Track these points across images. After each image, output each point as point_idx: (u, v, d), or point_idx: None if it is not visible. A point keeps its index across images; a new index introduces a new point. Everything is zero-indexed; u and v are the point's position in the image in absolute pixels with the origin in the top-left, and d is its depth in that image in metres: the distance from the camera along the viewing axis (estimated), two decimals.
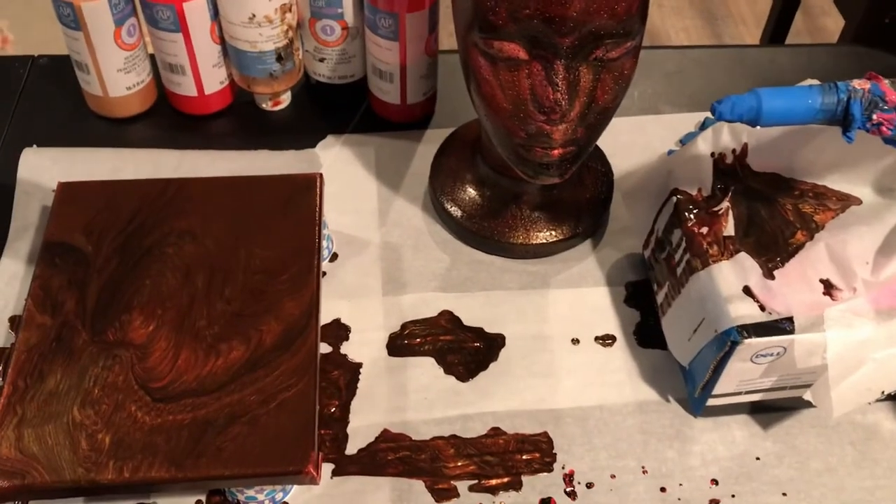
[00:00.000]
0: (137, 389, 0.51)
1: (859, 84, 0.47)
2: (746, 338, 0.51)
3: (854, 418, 0.58)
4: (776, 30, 1.59)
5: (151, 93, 0.74)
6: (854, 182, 0.58)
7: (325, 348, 0.60)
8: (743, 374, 0.53)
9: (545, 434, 0.57)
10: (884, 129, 0.46)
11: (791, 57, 0.85)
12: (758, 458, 0.56)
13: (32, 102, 0.75)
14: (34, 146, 0.70)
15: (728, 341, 0.51)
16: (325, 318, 0.61)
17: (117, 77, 0.70)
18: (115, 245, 0.58)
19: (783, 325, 0.51)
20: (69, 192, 0.61)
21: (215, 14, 0.68)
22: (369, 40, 0.69)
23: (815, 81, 0.48)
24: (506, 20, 0.50)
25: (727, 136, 0.58)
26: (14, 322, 0.60)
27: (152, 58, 0.72)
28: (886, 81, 0.47)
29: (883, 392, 0.53)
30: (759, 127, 0.48)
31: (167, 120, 0.74)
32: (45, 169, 0.68)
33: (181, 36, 0.67)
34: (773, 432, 0.57)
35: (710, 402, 0.56)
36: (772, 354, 0.52)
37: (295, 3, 0.68)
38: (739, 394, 0.55)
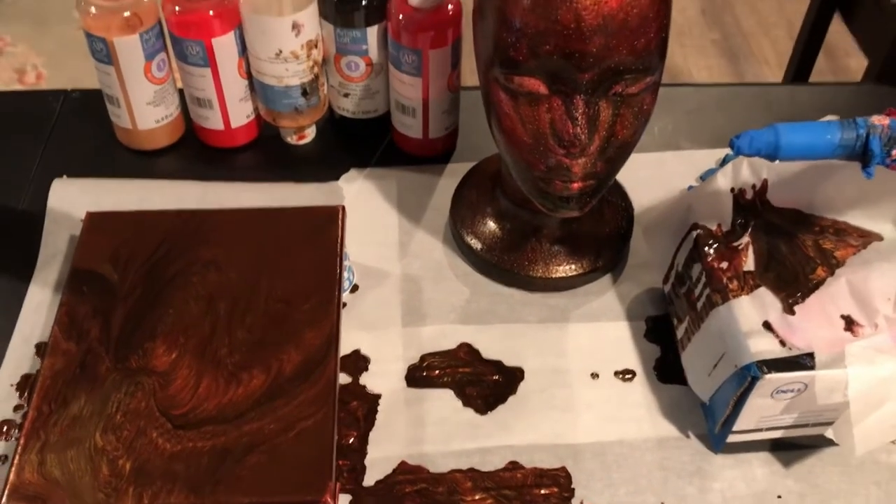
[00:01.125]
0: (159, 416, 0.52)
1: (878, 120, 0.47)
2: (767, 373, 0.50)
3: (878, 457, 0.57)
4: (799, 70, 1.60)
5: (179, 126, 0.75)
6: (875, 218, 0.58)
7: (344, 379, 0.60)
8: (763, 411, 0.53)
9: (563, 469, 0.56)
10: None
11: (812, 95, 0.85)
12: (779, 497, 0.55)
13: (64, 134, 0.77)
14: (64, 177, 0.72)
15: (748, 376, 0.51)
16: (345, 348, 0.62)
17: (146, 110, 0.72)
18: (140, 274, 0.59)
19: (804, 361, 0.51)
20: (97, 222, 0.62)
21: (243, 50, 0.69)
22: (393, 76, 0.70)
23: (835, 117, 0.48)
24: (526, 56, 0.51)
25: (747, 172, 0.58)
26: (40, 348, 0.61)
27: (180, 92, 0.74)
28: None
29: None
30: (777, 161, 0.48)
31: (194, 152, 0.75)
32: (73, 199, 0.70)
33: (209, 71, 0.69)
34: (795, 470, 0.56)
35: (731, 438, 0.55)
36: (792, 391, 0.51)
37: (321, 39, 0.70)
38: (760, 430, 0.55)
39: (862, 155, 0.47)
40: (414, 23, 0.65)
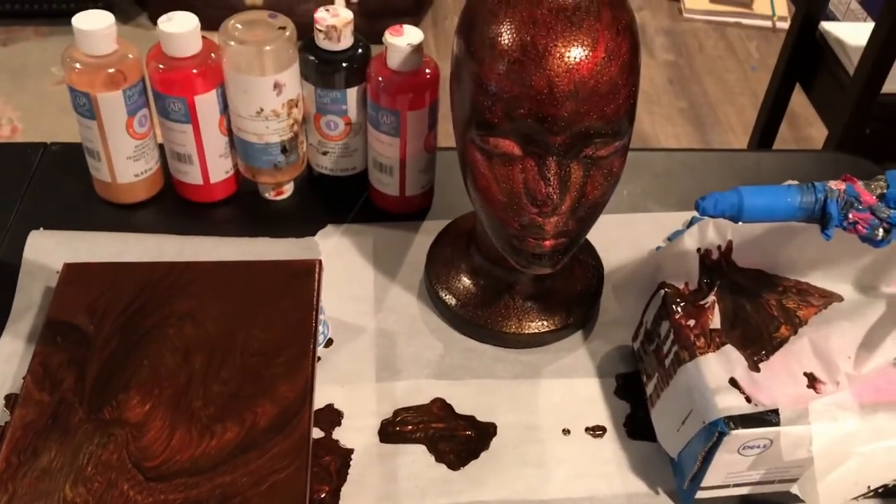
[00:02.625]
0: (131, 468, 0.51)
1: (835, 185, 0.49)
2: (734, 429, 0.51)
3: None
4: (763, 137, 1.65)
5: (158, 180, 0.76)
6: (835, 279, 0.60)
7: (317, 433, 0.60)
8: (731, 466, 0.54)
9: None
10: (859, 227, 0.49)
11: (776, 161, 0.88)
12: None
13: (42, 187, 0.78)
14: (41, 229, 0.72)
15: (716, 432, 0.52)
16: (319, 402, 0.62)
17: (126, 164, 0.73)
18: (116, 325, 0.59)
19: (769, 417, 0.52)
20: (74, 273, 0.63)
21: (224, 107, 0.71)
22: (371, 135, 0.72)
23: (795, 182, 0.51)
24: (501, 119, 0.53)
25: (713, 233, 0.60)
26: (10, 400, 0.61)
27: (160, 147, 0.75)
28: (860, 183, 0.49)
29: (869, 487, 0.53)
30: (741, 223, 0.50)
31: (172, 206, 0.76)
32: (50, 251, 0.70)
33: (191, 127, 0.70)
34: None
35: (700, 494, 0.56)
36: (759, 446, 0.53)
37: (301, 98, 0.72)
38: (728, 486, 0.56)
39: (821, 218, 0.50)
40: (393, 85, 0.68)
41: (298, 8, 2.02)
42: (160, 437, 0.53)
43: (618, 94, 0.53)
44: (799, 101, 1.66)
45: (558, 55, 0.51)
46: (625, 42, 0.52)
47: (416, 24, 1.71)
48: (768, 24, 2.43)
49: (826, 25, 1.47)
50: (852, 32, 1.44)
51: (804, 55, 1.50)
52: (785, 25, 2.35)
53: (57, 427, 0.53)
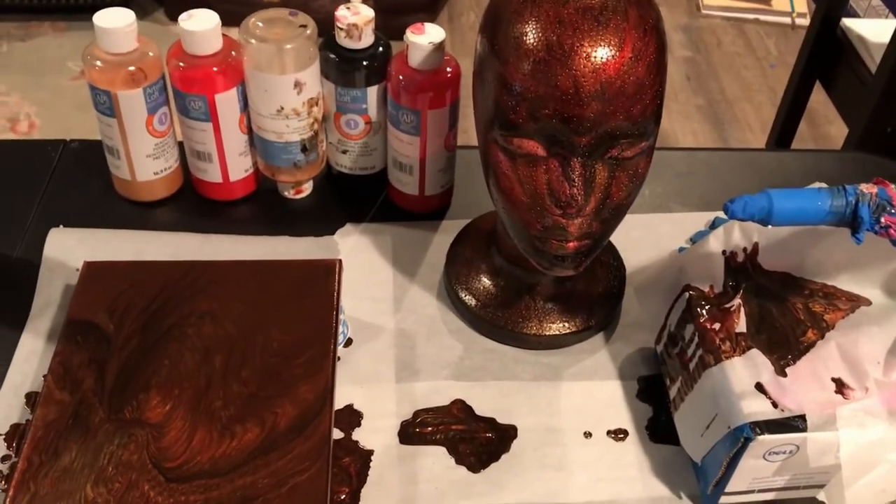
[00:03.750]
0: (151, 469, 0.51)
1: (867, 188, 0.48)
2: (759, 434, 0.51)
3: None
4: (781, 136, 1.64)
5: (178, 178, 0.76)
6: (863, 284, 0.59)
7: (337, 434, 0.60)
8: (756, 472, 0.53)
9: None
10: (892, 231, 0.48)
11: (797, 161, 0.87)
12: None
13: (62, 184, 0.78)
14: (61, 226, 0.72)
15: (741, 437, 0.51)
16: (339, 403, 0.62)
17: (146, 162, 0.72)
18: (136, 325, 0.59)
19: (796, 423, 0.51)
20: (94, 272, 0.63)
21: (245, 106, 0.71)
22: (391, 134, 0.71)
23: (823, 184, 0.50)
24: (525, 119, 0.53)
25: (738, 235, 0.59)
26: (30, 398, 0.60)
27: (180, 145, 0.75)
28: (893, 186, 0.49)
29: None
30: (769, 226, 0.50)
31: (192, 205, 0.76)
32: (70, 249, 0.70)
33: (211, 125, 0.70)
34: None
35: (723, 499, 0.56)
36: (785, 452, 0.52)
37: (322, 97, 0.71)
38: (752, 492, 0.55)
39: (851, 221, 0.49)
40: (414, 84, 0.67)
41: (314, 3, 2.01)
42: (180, 438, 0.53)
43: (644, 95, 0.52)
44: (818, 98, 1.65)
45: (585, 55, 0.50)
46: (652, 41, 0.52)
47: (432, 21, 1.70)
48: (787, 20, 2.40)
49: (847, 22, 1.45)
50: (874, 29, 1.42)
51: (825, 52, 1.49)
52: (804, 22, 2.33)
53: (78, 427, 0.53)
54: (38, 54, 2.12)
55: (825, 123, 2.05)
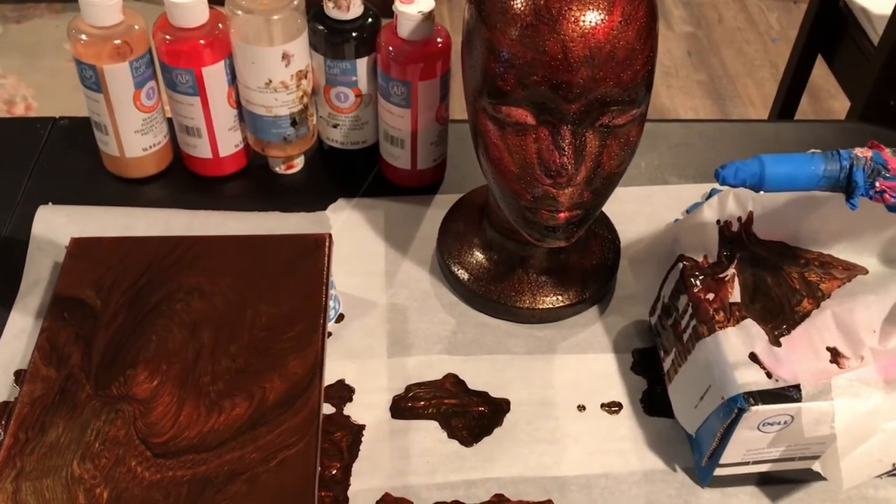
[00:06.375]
0: (138, 444, 0.51)
1: (861, 152, 0.47)
2: (753, 405, 0.50)
3: (866, 492, 0.57)
4: (783, 111, 1.62)
5: (167, 154, 0.75)
6: (860, 252, 0.58)
7: (328, 409, 0.60)
8: (750, 443, 0.53)
9: (549, 502, 0.55)
10: (887, 196, 0.47)
11: (796, 132, 0.86)
12: None
13: (51, 162, 0.77)
14: (50, 203, 0.71)
15: (735, 408, 0.50)
16: (330, 378, 0.61)
17: (134, 138, 0.72)
18: (123, 300, 0.58)
19: (790, 393, 0.51)
20: (81, 248, 0.62)
21: (233, 79, 0.70)
22: (382, 107, 0.70)
23: (819, 151, 0.49)
24: (514, 86, 0.52)
25: (733, 204, 0.59)
26: (19, 376, 0.60)
27: (169, 120, 0.74)
28: (888, 150, 0.47)
29: (893, 464, 0.52)
30: (762, 193, 0.49)
31: (181, 181, 0.75)
32: (58, 226, 0.69)
33: (199, 100, 0.69)
34: None
35: (718, 471, 0.55)
36: (779, 423, 0.51)
37: (311, 70, 0.70)
38: (747, 464, 0.55)
39: (846, 186, 0.48)
40: (403, 55, 0.66)
41: None
42: (168, 413, 0.52)
43: (635, 60, 0.51)
44: (820, 72, 1.63)
45: (573, 19, 0.49)
46: (642, 5, 0.50)
47: None
48: None
49: None
50: (877, 1, 1.40)
51: (827, 25, 1.47)
52: None
53: (64, 403, 0.53)
54: (34, 36, 2.10)
55: (828, 98, 2.03)
